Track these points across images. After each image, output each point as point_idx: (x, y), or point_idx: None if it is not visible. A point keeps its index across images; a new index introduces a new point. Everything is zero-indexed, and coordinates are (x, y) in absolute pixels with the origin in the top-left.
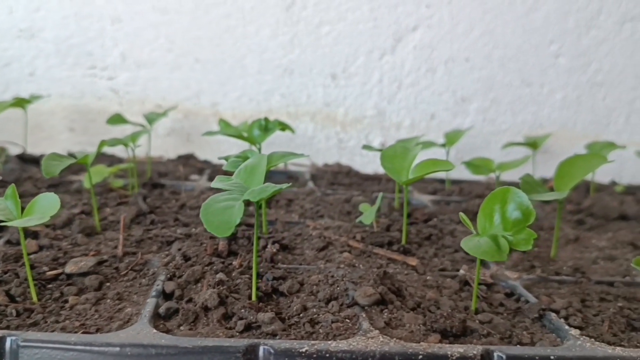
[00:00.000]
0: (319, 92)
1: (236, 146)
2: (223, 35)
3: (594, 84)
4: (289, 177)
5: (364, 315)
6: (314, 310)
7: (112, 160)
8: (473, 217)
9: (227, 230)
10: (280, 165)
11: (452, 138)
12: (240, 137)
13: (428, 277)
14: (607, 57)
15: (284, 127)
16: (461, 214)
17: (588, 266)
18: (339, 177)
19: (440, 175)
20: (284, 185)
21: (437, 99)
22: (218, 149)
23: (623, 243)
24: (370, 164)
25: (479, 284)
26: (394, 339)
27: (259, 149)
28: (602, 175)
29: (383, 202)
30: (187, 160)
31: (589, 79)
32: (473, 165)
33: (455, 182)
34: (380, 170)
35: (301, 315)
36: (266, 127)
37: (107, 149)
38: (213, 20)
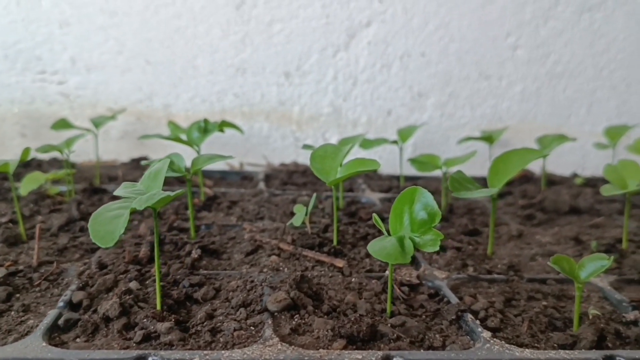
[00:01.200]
0: (272, 91)
1: (189, 148)
2: (173, 36)
3: (553, 76)
4: (244, 177)
5: (270, 322)
6: (220, 318)
7: (64, 166)
8: None
9: (111, 241)
10: (237, 166)
11: (405, 134)
12: (178, 140)
13: (353, 279)
14: (566, 48)
15: (222, 127)
16: (374, 215)
17: (525, 263)
18: (294, 176)
19: (397, 171)
20: (174, 193)
21: (394, 95)
22: (172, 152)
23: (567, 238)
24: None
25: (403, 284)
26: (293, 346)
27: (198, 151)
28: (564, 167)
29: (327, 202)
30: (139, 163)
31: (548, 71)
32: (418, 162)
33: (410, 178)
34: None
35: (205, 323)
36: (205, 128)
37: (58, 155)
38: (163, 21)
